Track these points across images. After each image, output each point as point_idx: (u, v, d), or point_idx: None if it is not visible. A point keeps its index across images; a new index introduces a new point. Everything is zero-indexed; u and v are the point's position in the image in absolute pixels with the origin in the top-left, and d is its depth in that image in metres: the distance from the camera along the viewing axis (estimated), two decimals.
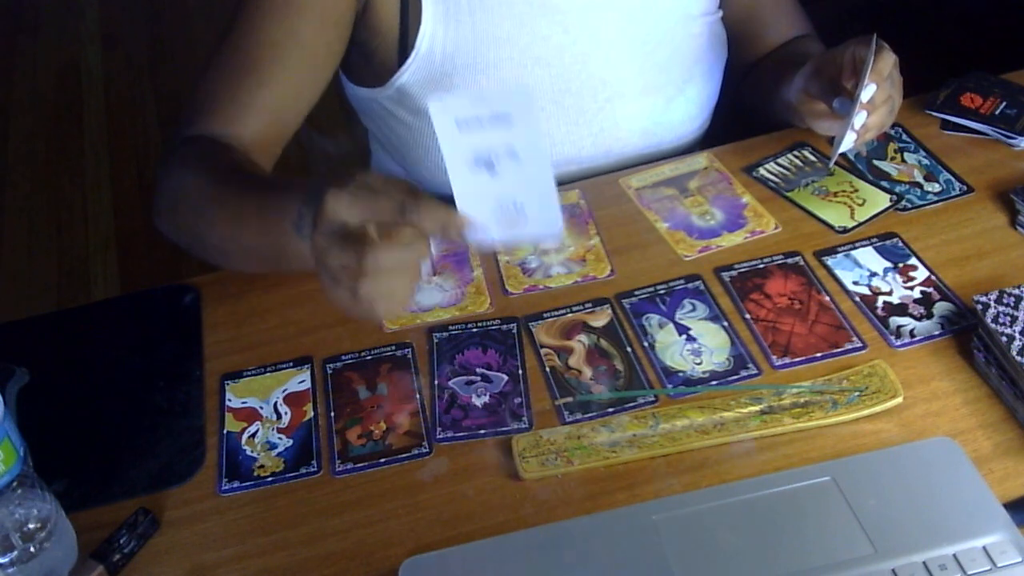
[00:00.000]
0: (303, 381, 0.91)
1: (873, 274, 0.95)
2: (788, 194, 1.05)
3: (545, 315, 0.94)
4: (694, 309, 0.93)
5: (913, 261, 0.96)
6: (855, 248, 0.98)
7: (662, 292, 0.95)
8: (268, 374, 0.92)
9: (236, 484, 0.83)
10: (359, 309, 0.71)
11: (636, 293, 0.95)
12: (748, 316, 0.92)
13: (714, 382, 0.86)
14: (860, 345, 0.88)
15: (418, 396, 0.88)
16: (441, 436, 0.84)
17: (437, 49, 1.00)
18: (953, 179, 1.05)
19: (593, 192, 1.07)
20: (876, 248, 0.98)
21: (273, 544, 0.79)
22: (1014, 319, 0.82)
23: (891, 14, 1.59)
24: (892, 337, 0.89)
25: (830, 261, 0.97)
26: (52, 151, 2.86)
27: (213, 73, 0.96)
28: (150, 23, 3.38)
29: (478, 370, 0.90)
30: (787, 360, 0.87)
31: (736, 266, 0.97)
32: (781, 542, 0.73)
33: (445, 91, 1.01)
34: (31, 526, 0.73)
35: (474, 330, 0.93)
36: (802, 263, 0.97)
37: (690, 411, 0.83)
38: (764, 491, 0.77)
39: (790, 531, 0.74)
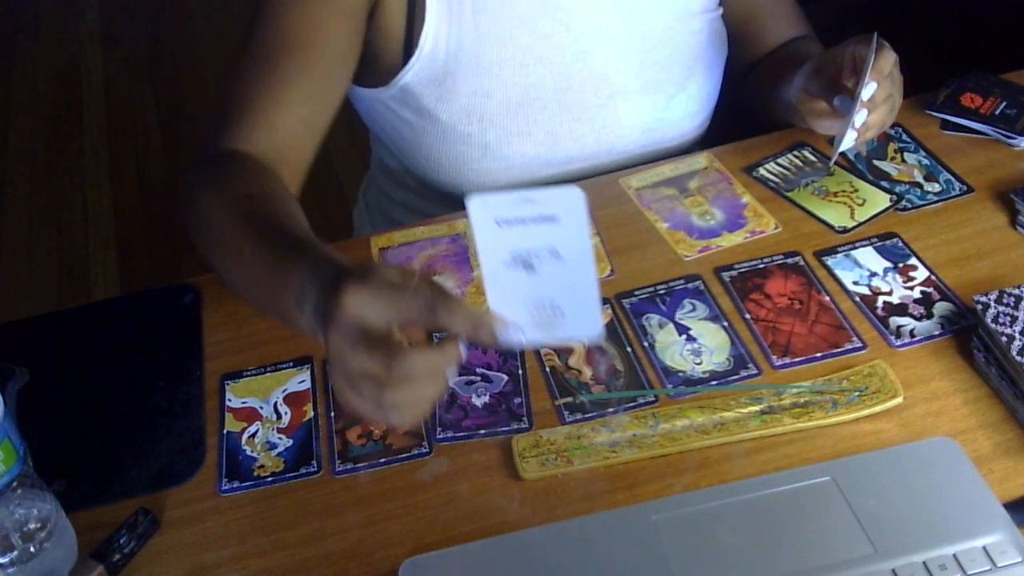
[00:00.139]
0: (303, 381, 0.91)
1: (873, 274, 0.95)
2: (788, 194, 1.05)
3: None
4: (694, 309, 0.93)
5: (913, 261, 0.96)
6: (855, 248, 0.98)
7: (662, 292, 0.95)
8: (268, 374, 0.92)
9: (236, 484, 0.83)
10: (380, 417, 0.65)
11: (636, 293, 0.95)
12: (748, 316, 0.92)
13: (714, 382, 0.86)
14: (860, 345, 0.88)
15: None
16: (441, 436, 0.84)
17: (440, 48, 1.00)
18: (953, 179, 1.05)
19: (593, 192, 1.05)
20: (876, 248, 0.98)
21: (273, 544, 0.79)
22: (1014, 319, 0.82)
23: (891, 14, 1.60)
24: (892, 337, 0.89)
25: (830, 261, 0.97)
26: (52, 151, 2.87)
27: (241, 73, 0.94)
28: (150, 23, 3.38)
29: (478, 370, 0.90)
30: (787, 360, 0.87)
31: (736, 266, 0.97)
32: (781, 542, 0.73)
33: (486, 193, 0.84)
34: (31, 526, 0.73)
35: None
36: (802, 263, 0.97)
37: (690, 411, 0.83)
38: (764, 491, 0.77)
39: (790, 531, 0.74)
